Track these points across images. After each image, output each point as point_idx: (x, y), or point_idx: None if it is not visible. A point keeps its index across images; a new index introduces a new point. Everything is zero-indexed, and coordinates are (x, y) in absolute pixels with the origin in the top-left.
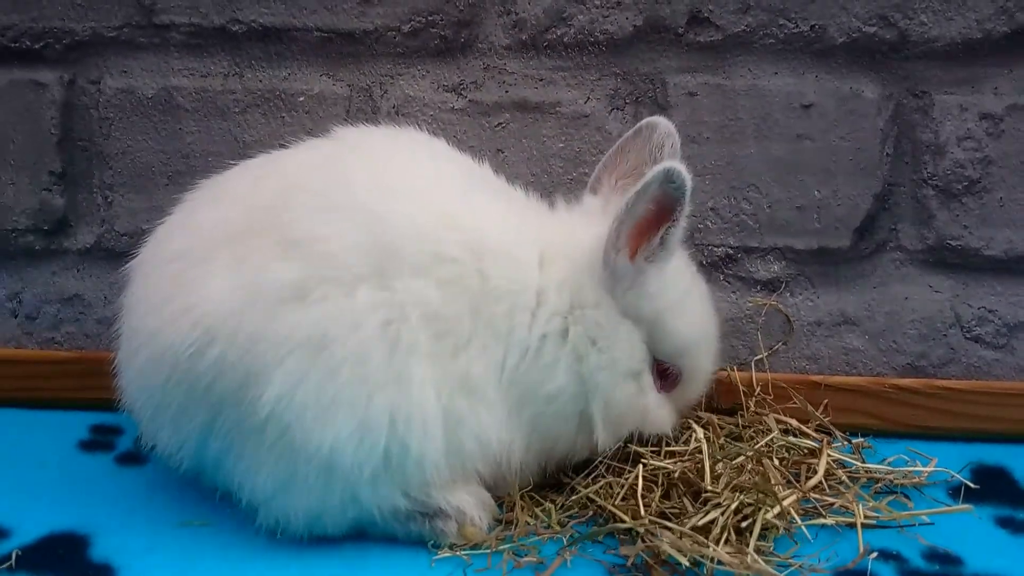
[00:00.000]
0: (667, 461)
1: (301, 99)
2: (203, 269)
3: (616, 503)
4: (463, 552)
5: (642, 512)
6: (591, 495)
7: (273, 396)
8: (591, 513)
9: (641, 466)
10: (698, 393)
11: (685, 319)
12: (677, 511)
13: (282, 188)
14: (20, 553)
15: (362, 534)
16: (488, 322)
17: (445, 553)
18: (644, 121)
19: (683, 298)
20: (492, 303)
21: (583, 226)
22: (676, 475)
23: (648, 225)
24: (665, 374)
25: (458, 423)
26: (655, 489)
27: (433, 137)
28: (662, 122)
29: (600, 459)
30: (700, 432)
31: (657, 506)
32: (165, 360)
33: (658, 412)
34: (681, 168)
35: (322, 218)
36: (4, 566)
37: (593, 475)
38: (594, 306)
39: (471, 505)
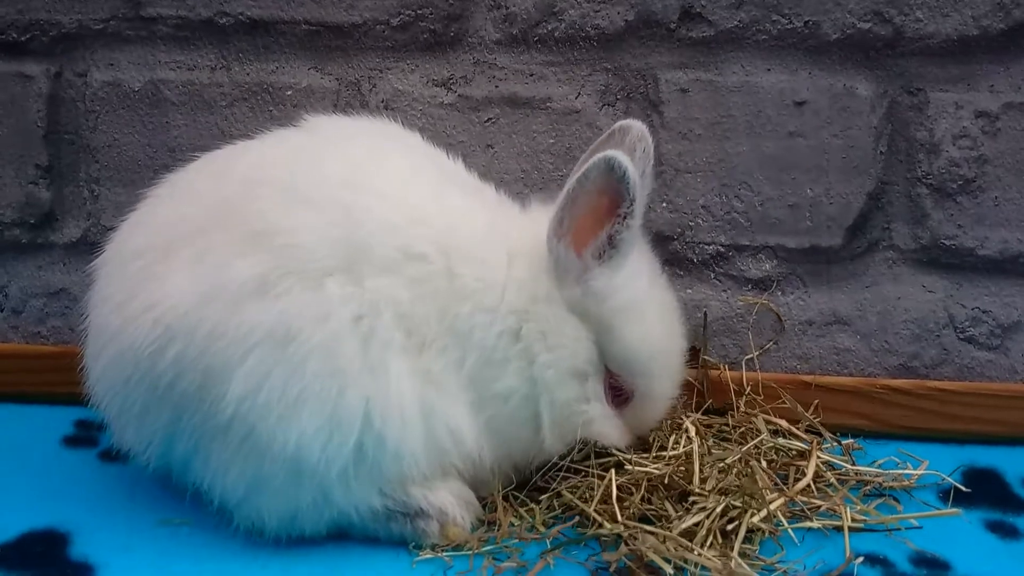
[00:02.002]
0: (652, 464)
1: (289, 93)
2: (164, 266)
3: (596, 506)
4: (445, 553)
5: (619, 516)
6: (571, 499)
7: (236, 395)
8: (576, 515)
9: (614, 470)
10: (653, 418)
11: (637, 327)
12: (660, 514)
13: (247, 180)
14: None
15: (343, 534)
16: (451, 323)
17: (427, 554)
18: (617, 124)
19: (637, 304)
20: (457, 303)
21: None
22: (663, 479)
23: (596, 218)
24: (618, 391)
25: (431, 413)
26: (635, 492)
27: (407, 130)
28: (635, 125)
29: (566, 462)
30: (693, 430)
31: (638, 509)
32: (127, 359)
33: (604, 425)
34: (623, 158)
35: (289, 210)
36: None
37: (574, 477)
38: (545, 300)
39: (453, 505)
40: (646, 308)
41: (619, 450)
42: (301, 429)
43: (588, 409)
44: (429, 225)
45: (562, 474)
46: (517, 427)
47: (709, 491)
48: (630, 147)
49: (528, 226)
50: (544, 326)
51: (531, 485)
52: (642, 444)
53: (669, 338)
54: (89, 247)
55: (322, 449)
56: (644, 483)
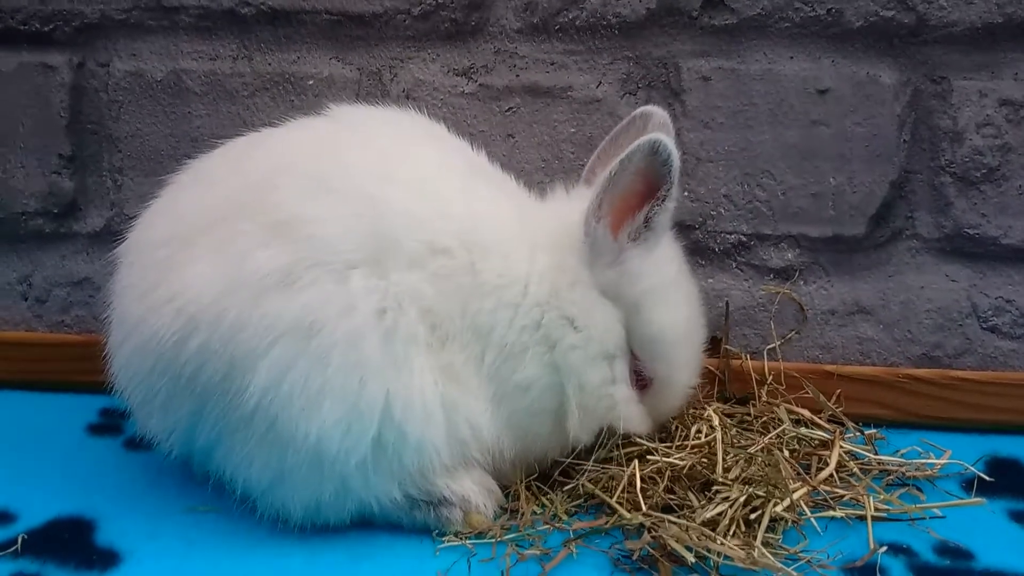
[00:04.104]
0: (675, 454)
1: (310, 83)
2: (186, 255)
3: (618, 495)
4: (468, 541)
5: (642, 506)
6: (593, 489)
7: (260, 386)
8: (599, 504)
9: (637, 460)
10: (672, 405)
11: (665, 310)
12: (683, 504)
13: (270, 169)
14: (26, 537)
15: (367, 522)
16: (473, 319)
17: (450, 542)
18: (638, 110)
19: (667, 287)
20: (480, 299)
21: (575, 214)
22: (684, 469)
23: (633, 200)
24: (640, 376)
25: (453, 407)
26: (659, 481)
27: (433, 122)
28: (656, 111)
29: (589, 464)
30: (716, 419)
31: (661, 498)
32: (150, 348)
33: (629, 408)
34: (668, 141)
35: (314, 200)
36: (10, 551)
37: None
38: (571, 285)
39: (476, 493)
40: (675, 292)
41: (641, 438)
42: (321, 421)
43: (614, 392)
44: (455, 219)
45: (587, 469)
46: (539, 419)
47: (733, 480)
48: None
49: (550, 215)
50: (570, 311)
51: (553, 478)
52: (665, 434)
53: (693, 326)
54: (112, 236)
55: (341, 440)
56: (667, 472)
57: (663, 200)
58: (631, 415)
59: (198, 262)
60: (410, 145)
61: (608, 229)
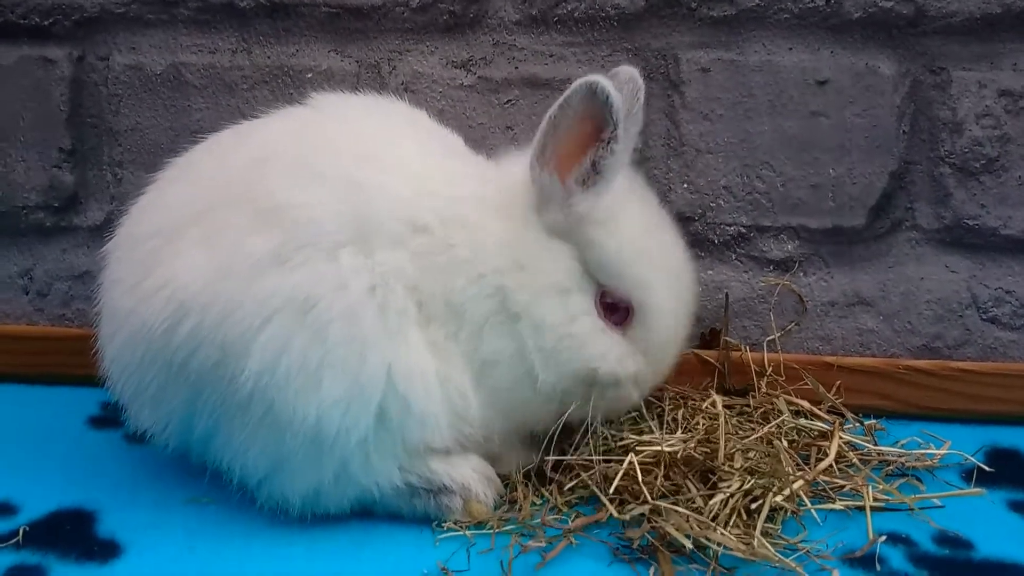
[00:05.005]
0: (673, 439)
1: (309, 75)
2: (176, 245)
3: (617, 484)
4: (467, 531)
5: (645, 494)
6: (589, 479)
7: (255, 370)
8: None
9: (634, 452)
10: (664, 339)
11: (618, 235)
12: (682, 492)
13: (254, 158)
14: (27, 529)
15: (367, 513)
16: (448, 297)
17: (450, 533)
18: (611, 72)
19: (618, 217)
20: (453, 277)
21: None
22: (680, 455)
23: (579, 144)
24: (614, 308)
25: (448, 380)
26: (656, 470)
27: (413, 108)
28: (624, 68)
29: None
30: (720, 403)
31: (660, 488)
32: (140, 338)
33: (600, 342)
34: (606, 83)
35: (298, 186)
36: (11, 542)
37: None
38: (520, 231)
39: (476, 480)
40: (629, 218)
41: (631, 428)
42: (320, 399)
43: (575, 329)
44: (433, 196)
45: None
46: (516, 390)
47: (737, 469)
48: (618, 88)
49: (503, 175)
50: (519, 254)
51: (551, 464)
52: (663, 423)
53: (660, 244)
54: (113, 230)
55: (342, 417)
56: (666, 460)
57: (608, 143)
58: (607, 352)
59: (188, 252)
60: (389, 129)
61: (555, 174)
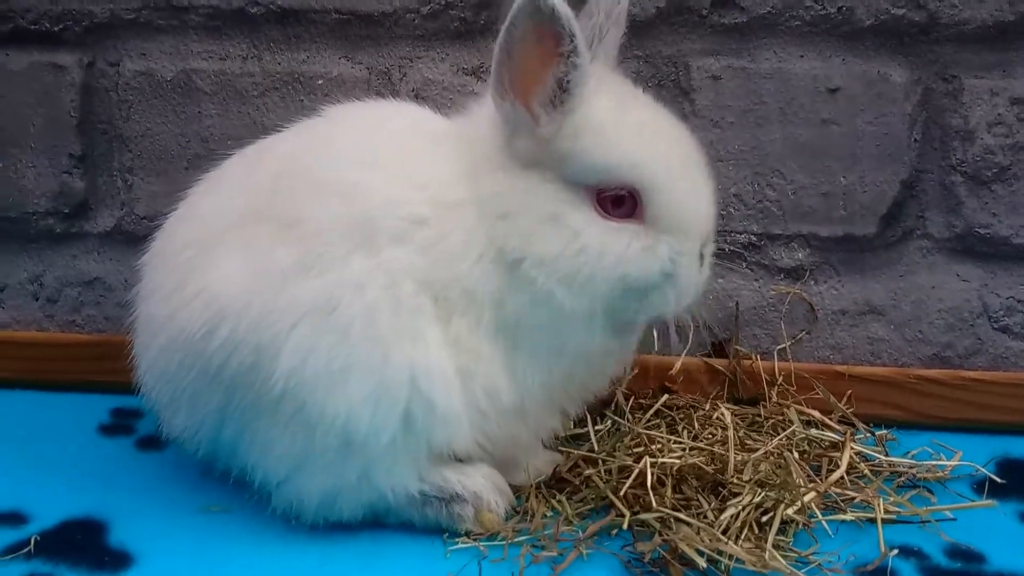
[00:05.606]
0: (687, 452)
1: (320, 82)
2: (211, 256)
3: (628, 492)
4: (479, 542)
5: (654, 505)
6: (603, 489)
7: (285, 370)
8: (608, 504)
9: (647, 458)
10: (680, 201)
11: (595, 126)
12: (692, 504)
13: (275, 173)
14: (39, 539)
15: (378, 523)
16: (462, 283)
17: (461, 544)
18: None
19: (590, 111)
20: (459, 261)
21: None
22: (695, 468)
23: (537, 66)
24: (619, 201)
25: (469, 377)
26: (666, 481)
27: (418, 106)
28: None
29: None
30: (728, 416)
31: (671, 500)
32: (178, 344)
33: (616, 243)
34: None
35: (307, 199)
36: (22, 552)
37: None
38: (493, 177)
39: (488, 490)
40: (597, 106)
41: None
42: (349, 398)
43: (580, 244)
44: (426, 187)
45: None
46: (556, 337)
47: (747, 482)
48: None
49: (470, 130)
50: (500, 202)
51: (561, 478)
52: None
53: (638, 119)
54: (123, 236)
55: (371, 417)
56: (674, 474)
57: (568, 57)
58: (625, 249)
59: (222, 261)
60: (391, 133)
61: (518, 102)
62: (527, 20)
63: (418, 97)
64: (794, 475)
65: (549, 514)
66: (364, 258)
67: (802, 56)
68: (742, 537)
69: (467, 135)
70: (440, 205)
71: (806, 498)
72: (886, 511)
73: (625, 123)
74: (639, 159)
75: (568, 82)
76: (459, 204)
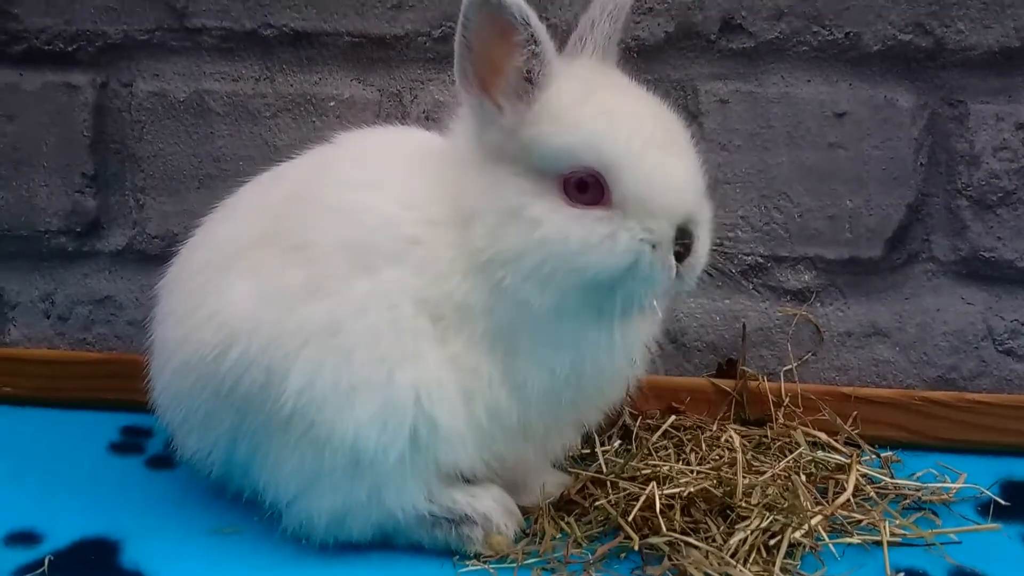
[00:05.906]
0: (693, 476)
1: (332, 104)
2: (224, 279)
3: (636, 516)
4: (489, 564)
5: (666, 528)
6: (611, 512)
7: (294, 390)
8: (617, 527)
9: (655, 482)
10: (646, 178)
11: (551, 112)
12: (701, 528)
13: (285, 198)
14: (52, 559)
15: (387, 544)
16: (454, 300)
17: (471, 567)
18: None
19: (550, 98)
20: (450, 277)
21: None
22: (695, 490)
23: (498, 58)
24: (582, 186)
25: (471, 398)
26: (675, 504)
27: (426, 131)
28: None
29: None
30: (737, 440)
31: (679, 523)
32: (191, 365)
33: (578, 230)
34: None
35: (311, 223)
36: (37, 572)
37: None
38: (469, 171)
39: (497, 512)
40: (556, 93)
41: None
42: (357, 418)
43: (542, 232)
44: (417, 208)
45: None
46: (541, 333)
47: (755, 505)
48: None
49: (447, 146)
50: (464, 210)
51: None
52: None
53: (596, 98)
54: (134, 255)
55: (379, 436)
56: (683, 495)
57: (527, 47)
58: (588, 240)
59: (234, 285)
60: (394, 158)
61: (483, 94)
62: (478, 12)
63: (429, 119)
64: (801, 498)
65: (558, 536)
66: (364, 279)
67: (809, 81)
68: (750, 560)
69: (449, 149)
70: (430, 224)
71: (813, 521)
72: (892, 534)
73: (587, 104)
74: (598, 139)
75: (529, 71)
76: (444, 221)
